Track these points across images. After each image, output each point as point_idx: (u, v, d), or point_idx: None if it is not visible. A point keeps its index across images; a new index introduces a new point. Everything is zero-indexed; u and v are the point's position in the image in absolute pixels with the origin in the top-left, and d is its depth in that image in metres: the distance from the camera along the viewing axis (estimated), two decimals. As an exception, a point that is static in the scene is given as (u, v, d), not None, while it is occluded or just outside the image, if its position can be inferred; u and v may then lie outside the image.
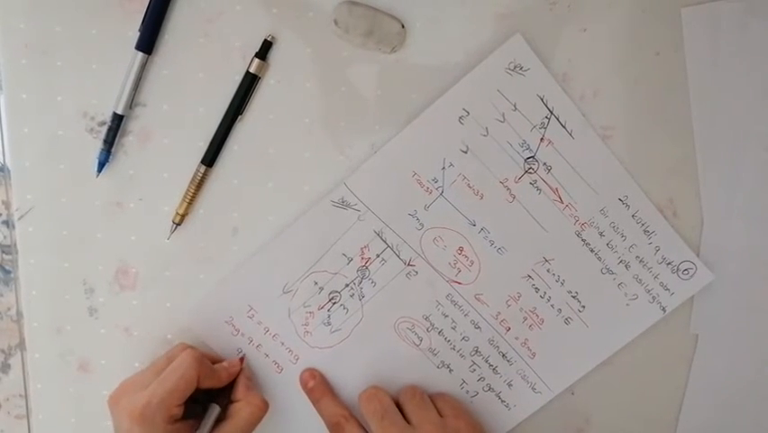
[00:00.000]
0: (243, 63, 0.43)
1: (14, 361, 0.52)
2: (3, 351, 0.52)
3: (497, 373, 0.47)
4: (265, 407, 0.43)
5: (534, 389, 0.47)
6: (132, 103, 0.44)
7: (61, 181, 0.45)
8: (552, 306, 0.46)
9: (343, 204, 0.45)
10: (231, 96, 0.44)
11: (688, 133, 0.44)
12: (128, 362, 0.47)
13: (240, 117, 0.44)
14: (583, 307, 0.46)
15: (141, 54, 0.43)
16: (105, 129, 0.44)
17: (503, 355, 0.47)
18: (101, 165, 0.44)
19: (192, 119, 0.44)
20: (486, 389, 0.48)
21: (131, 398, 0.40)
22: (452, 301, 0.46)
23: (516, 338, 0.47)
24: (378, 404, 0.44)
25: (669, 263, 0.45)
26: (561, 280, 0.46)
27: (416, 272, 0.46)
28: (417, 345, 0.47)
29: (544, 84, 0.43)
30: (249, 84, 0.43)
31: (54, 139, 0.44)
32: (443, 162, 0.44)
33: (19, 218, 0.46)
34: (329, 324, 0.47)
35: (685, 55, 0.43)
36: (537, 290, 0.46)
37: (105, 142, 0.44)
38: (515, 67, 0.43)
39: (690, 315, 0.47)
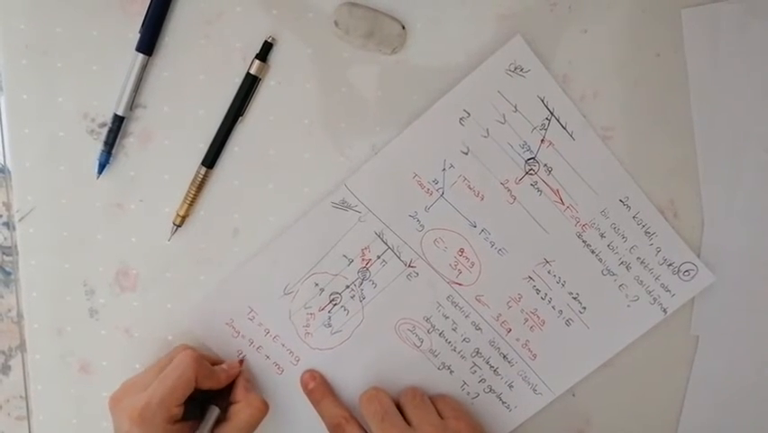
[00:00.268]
0: (244, 65, 0.43)
1: (15, 362, 0.52)
2: (3, 352, 0.52)
3: (497, 374, 0.47)
4: (265, 408, 0.43)
5: (534, 390, 0.47)
6: (132, 104, 0.44)
7: (62, 182, 0.45)
8: (553, 307, 0.46)
9: (344, 205, 0.45)
10: (231, 98, 0.44)
11: (688, 133, 0.44)
12: (129, 363, 0.47)
13: (240, 119, 0.44)
14: (584, 308, 0.46)
15: (141, 56, 0.43)
16: (105, 130, 0.44)
17: (504, 357, 0.47)
18: (101, 166, 0.44)
19: (192, 120, 0.44)
20: (487, 390, 0.48)
21: (131, 399, 0.40)
22: (452, 303, 0.46)
23: (517, 340, 0.47)
24: (378, 405, 0.44)
25: (670, 265, 0.45)
26: (561, 281, 0.46)
27: (417, 274, 0.46)
28: (418, 347, 0.47)
29: (544, 85, 0.43)
30: (249, 85, 0.43)
31: (55, 140, 0.44)
32: (444, 164, 0.44)
33: (19, 220, 0.46)
34: (330, 325, 0.47)
35: (685, 56, 0.43)
36: (538, 291, 0.46)
37: (106, 143, 0.44)
38: (515, 68, 0.43)
39: (691, 316, 0.47)
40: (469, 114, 0.44)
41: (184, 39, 0.43)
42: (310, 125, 0.45)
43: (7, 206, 0.49)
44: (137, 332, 0.47)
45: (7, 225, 0.49)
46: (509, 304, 0.46)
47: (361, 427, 0.45)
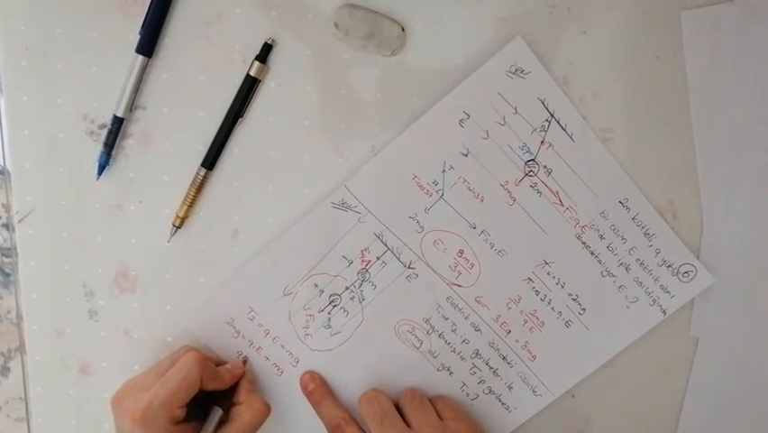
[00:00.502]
0: (244, 66, 0.43)
1: (14, 364, 0.52)
2: (2, 354, 0.52)
3: (497, 375, 0.47)
4: (267, 410, 0.43)
5: (534, 391, 0.47)
6: (132, 106, 0.44)
7: (61, 184, 0.45)
8: (552, 308, 0.46)
9: (344, 206, 0.45)
10: (231, 99, 0.44)
11: (688, 135, 0.44)
12: (128, 364, 0.47)
13: (240, 120, 0.44)
14: (583, 309, 0.46)
15: (141, 57, 0.43)
16: (105, 132, 0.44)
17: (503, 358, 0.47)
18: (101, 168, 0.44)
19: (192, 122, 0.44)
20: (486, 391, 0.48)
21: (133, 399, 0.40)
22: (452, 304, 0.46)
23: (517, 341, 0.47)
24: (377, 407, 0.44)
25: (669, 266, 0.46)
26: (561, 282, 0.46)
27: (417, 275, 0.46)
28: (417, 348, 0.47)
29: (544, 87, 0.43)
30: (249, 87, 0.43)
31: (54, 141, 0.44)
32: (444, 165, 0.44)
33: (19, 221, 0.46)
34: (329, 326, 0.47)
35: (685, 58, 0.43)
36: (538, 292, 0.46)
37: (106, 144, 0.44)
38: (515, 70, 0.43)
39: (691, 317, 0.47)
40: (468, 115, 0.44)
41: (184, 40, 0.43)
42: (310, 127, 0.45)
43: (7, 207, 0.49)
44: (137, 333, 0.47)
45: (7, 226, 0.49)
46: (509, 305, 0.46)
47: (361, 428, 0.45)
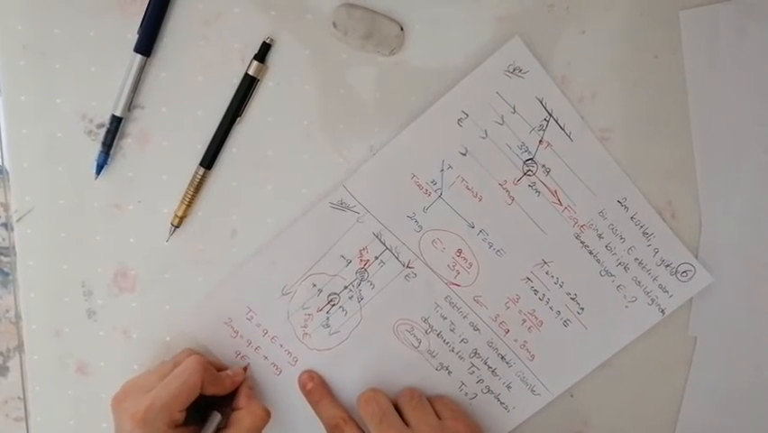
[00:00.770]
0: (242, 65, 0.43)
1: (13, 363, 0.52)
2: (1, 353, 0.52)
3: (496, 375, 0.47)
4: (267, 417, 0.43)
5: (533, 391, 0.47)
6: (130, 105, 0.44)
7: (60, 183, 0.45)
8: (550, 308, 0.46)
9: (342, 206, 0.45)
10: (229, 99, 0.44)
11: (686, 135, 0.44)
12: (127, 364, 0.47)
13: (238, 120, 0.44)
14: (582, 309, 0.46)
15: (139, 56, 0.43)
16: (103, 131, 0.44)
17: (502, 357, 0.47)
18: (100, 167, 0.44)
19: (191, 121, 0.44)
20: (485, 391, 0.48)
21: (134, 400, 0.40)
22: (450, 303, 0.46)
23: (515, 340, 0.47)
24: (376, 406, 0.44)
25: (667, 265, 0.46)
26: (559, 282, 0.46)
27: (415, 275, 0.46)
28: (416, 348, 0.47)
29: (542, 86, 0.43)
30: (247, 86, 0.43)
31: (53, 141, 0.44)
32: (442, 164, 0.44)
33: (17, 220, 0.46)
34: (328, 326, 0.47)
35: (683, 57, 0.43)
36: (536, 292, 0.46)
37: (104, 144, 0.44)
38: (514, 69, 0.43)
39: (689, 317, 0.47)
40: (467, 115, 0.44)
41: (182, 40, 0.43)
42: (308, 126, 0.45)
43: (5, 206, 0.49)
44: (135, 333, 0.47)
45: (5, 225, 0.49)
46: (507, 305, 0.46)
47: (360, 428, 0.45)
